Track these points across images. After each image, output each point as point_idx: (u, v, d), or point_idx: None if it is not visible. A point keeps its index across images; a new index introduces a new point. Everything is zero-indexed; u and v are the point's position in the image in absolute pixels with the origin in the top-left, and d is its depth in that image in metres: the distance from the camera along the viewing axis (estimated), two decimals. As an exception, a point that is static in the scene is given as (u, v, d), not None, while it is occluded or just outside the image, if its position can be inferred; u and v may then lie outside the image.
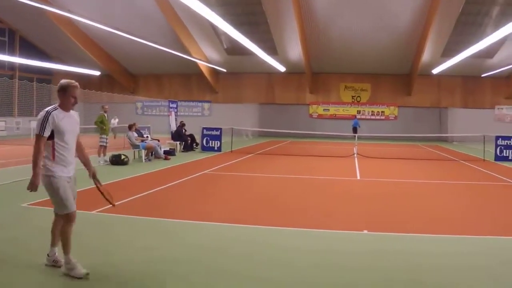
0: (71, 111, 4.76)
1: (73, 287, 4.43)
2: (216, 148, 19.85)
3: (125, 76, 37.75)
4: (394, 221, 7.48)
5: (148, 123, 24.92)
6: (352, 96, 35.50)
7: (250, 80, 36.11)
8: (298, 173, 13.48)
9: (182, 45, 29.27)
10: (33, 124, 29.19)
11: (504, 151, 17.73)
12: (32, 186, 4.47)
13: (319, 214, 8.04)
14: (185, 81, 37.40)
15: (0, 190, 9.59)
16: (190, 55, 29.22)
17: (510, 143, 17.78)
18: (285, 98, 35.89)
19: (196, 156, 18.15)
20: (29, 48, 31.81)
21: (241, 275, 4.89)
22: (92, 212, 7.38)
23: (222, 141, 20.16)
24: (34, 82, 30.15)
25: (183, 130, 20.59)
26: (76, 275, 4.53)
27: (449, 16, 25.14)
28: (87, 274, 4.53)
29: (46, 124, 4.48)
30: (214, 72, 35.82)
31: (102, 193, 5.05)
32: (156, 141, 17.22)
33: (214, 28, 28.19)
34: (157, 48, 24.80)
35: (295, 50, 30.55)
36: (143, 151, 15.91)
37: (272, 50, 29.74)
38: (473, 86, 33.34)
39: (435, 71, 30.09)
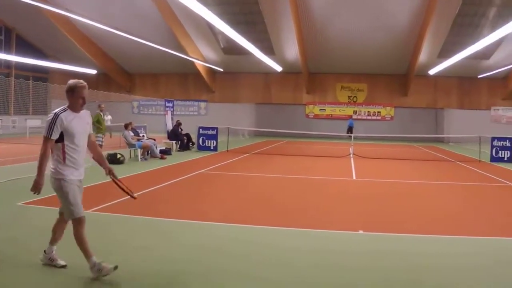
0: (81, 111, 4.65)
1: (72, 287, 4.42)
2: (212, 148, 19.83)
3: (121, 75, 37.65)
4: (390, 222, 7.50)
5: (144, 122, 24.84)
6: (349, 96, 35.49)
7: (246, 80, 36.08)
8: (294, 173, 13.49)
9: (179, 44, 29.22)
10: (29, 122, 29.20)
11: (500, 152, 17.78)
12: (35, 189, 4.43)
13: (316, 214, 8.05)
14: (181, 80, 37.32)
15: (-5, 188, 9.55)
16: (187, 54, 29.17)
17: (505, 144, 17.83)
18: (281, 98, 35.87)
19: (192, 155, 18.12)
20: (25, 47, 31.66)
21: (239, 274, 4.89)
22: (88, 211, 7.34)
23: (218, 140, 20.14)
24: (30, 81, 30.00)
25: (179, 130, 20.55)
26: (107, 273, 4.50)
27: (446, 17, 25.18)
28: (116, 267, 4.53)
29: (53, 126, 4.38)
30: (211, 71, 35.77)
31: (122, 188, 5.03)
32: (152, 140, 17.19)
33: (211, 27, 28.14)
34: (154, 47, 24.74)
35: (292, 50, 30.53)
36: (139, 150, 15.88)
37: (269, 50, 29.74)
38: (469, 87, 33.39)
39: (432, 71, 30.12)
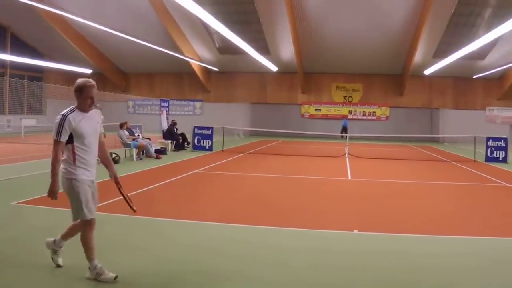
0: (90, 111, 4.51)
1: (72, 287, 4.40)
2: (207, 147, 19.81)
3: (116, 74, 37.56)
4: (385, 221, 7.51)
5: (139, 122, 24.84)
6: (344, 96, 35.54)
7: (242, 80, 36.07)
8: (289, 173, 13.49)
9: (174, 43, 29.19)
10: (24, 122, 29.05)
11: (495, 152, 17.85)
12: (52, 193, 4.36)
13: (311, 214, 8.05)
14: (177, 80, 37.29)
15: (-11, 188, 9.51)
16: (182, 54, 29.16)
17: (500, 144, 17.90)
18: (277, 98, 35.89)
19: (187, 155, 18.10)
20: (20, 46, 31.51)
21: (235, 274, 4.89)
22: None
23: (214, 140, 20.12)
24: (25, 80, 29.88)
25: (175, 129, 20.53)
26: (105, 279, 4.43)
27: (441, 17, 25.26)
28: (116, 277, 4.46)
29: (62, 128, 4.26)
30: (206, 71, 35.75)
31: (124, 198, 4.91)
32: (148, 140, 17.17)
33: (206, 27, 28.11)
34: (149, 47, 24.71)
35: (287, 50, 30.56)
36: (134, 149, 15.85)
37: (264, 49, 29.74)
38: (464, 87, 33.53)
39: (427, 72, 30.23)
